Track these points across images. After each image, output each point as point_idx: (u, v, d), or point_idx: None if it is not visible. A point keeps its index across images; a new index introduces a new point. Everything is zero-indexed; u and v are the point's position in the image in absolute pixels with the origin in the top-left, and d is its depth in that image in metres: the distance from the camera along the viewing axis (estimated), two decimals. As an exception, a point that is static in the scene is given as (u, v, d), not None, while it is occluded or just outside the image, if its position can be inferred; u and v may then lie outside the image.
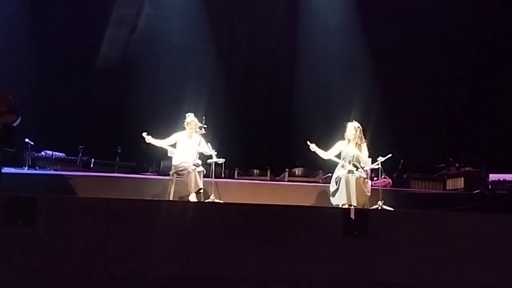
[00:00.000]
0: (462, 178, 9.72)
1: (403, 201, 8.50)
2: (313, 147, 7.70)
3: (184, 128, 8.21)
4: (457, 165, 10.00)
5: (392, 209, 7.53)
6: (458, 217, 5.03)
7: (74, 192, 7.98)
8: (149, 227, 4.23)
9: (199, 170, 7.84)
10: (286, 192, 8.87)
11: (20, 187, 7.05)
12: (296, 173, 9.87)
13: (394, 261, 4.36)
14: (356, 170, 7.62)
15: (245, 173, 9.78)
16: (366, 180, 7.69)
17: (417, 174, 10.04)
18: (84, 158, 9.78)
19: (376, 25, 11.44)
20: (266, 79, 11.87)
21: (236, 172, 9.69)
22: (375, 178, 8.25)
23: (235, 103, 11.38)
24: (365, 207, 7.41)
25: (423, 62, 11.61)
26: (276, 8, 11.72)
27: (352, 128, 7.79)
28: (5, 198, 4.10)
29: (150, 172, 9.76)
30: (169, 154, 8.33)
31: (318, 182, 9.38)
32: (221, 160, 8.35)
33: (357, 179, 7.49)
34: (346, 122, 7.94)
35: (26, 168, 9.07)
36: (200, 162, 8.06)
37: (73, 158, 9.78)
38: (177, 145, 8.18)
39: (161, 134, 8.34)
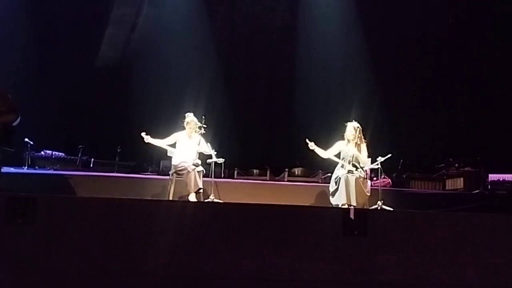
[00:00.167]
0: (462, 178, 9.73)
1: (403, 201, 8.50)
2: (312, 145, 7.69)
3: (183, 128, 8.21)
4: (456, 165, 10.01)
5: (391, 209, 7.52)
6: (458, 217, 5.03)
7: (74, 191, 7.97)
8: (148, 227, 4.23)
9: (198, 170, 7.84)
10: (286, 192, 8.87)
11: (20, 187, 7.03)
12: (296, 173, 9.87)
13: (393, 261, 4.37)
14: (356, 170, 7.62)
15: (245, 173, 9.79)
16: (365, 180, 7.69)
17: (417, 174, 10.05)
18: (84, 158, 9.78)
19: (376, 25, 11.44)
20: (266, 79, 11.87)
21: (235, 172, 9.69)
22: (375, 178, 8.25)
23: (234, 103, 11.38)
24: (365, 207, 7.41)
25: (423, 62, 11.61)
26: (276, 8, 11.72)
27: (352, 128, 7.79)
28: (5, 197, 4.10)
29: (150, 172, 9.76)
30: (168, 154, 8.32)
31: (318, 182, 9.38)
32: (221, 160, 8.36)
33: (357, 179, 7.50)
34: (346, 122, 7.94)
35: (26, 167, 9.07)
36: (199, 162, 8.05)
37: (72, 157, 9.78)
38: (176, 145, 8.18)
39: (161, 133, 8.33)
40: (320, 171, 9.50)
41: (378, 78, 11.36)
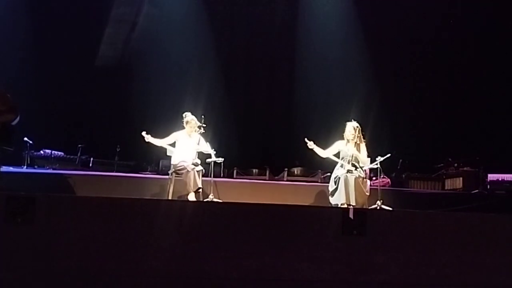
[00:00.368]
0: (461, 178, 9.74)
1: (402, 201, 8.51)
2: (311, 144, 7.70)
3: (183, 127, 8.21)
4: (455, 165, 10.02)
5: (390, 208, 7.53)
6: (457, 217, 5.03)
7: (73, 191, 7.97)
8: (148, 226, 4.23)
9: (198, 170, 7.84)
10: (285, 191, 8.88)
11: (19, 186, 7.04)
12: (295, 172, 9.88)
13: (392, 261, 4.37)
14: (355, 169, 7.63)
15: (244, 172, 9.79)
16: (365, 179, 7.70)
17: (416, 174, 10.06)
18: (83, 157, 9.79)
19: (376, 24, 11.44)
20: (266, 79, 11.87)
21: (235, 172, 9.70)
22: (374, 178, 8.25)
23: (234, 102, 11.38)
24: (364, 207, 7.42)
25: (422, 62, 11.61)
26: (275, 9, 11.72)
27: (351, 127, 7.80)
28: (4, 197, 4.10)
29: (149, 171, 9.76)
30: (168, 153, 8.33)
31: (317, 182, 9.39)
32: (220, 160, 8.36)
33: (356, 178, 7.50)
34: (345, 122, 7.95)
35: (25, 167, 9.07)
36: (199, 161, 8.05)
37: (72, 157, 9.78)
38: (176, 144, 8.18)
39: (160, 133, 8.34)
40: (320, 170, 9.50)
41: (378, 78, 11.36)
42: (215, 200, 7.84)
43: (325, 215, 4.64)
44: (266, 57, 11.82)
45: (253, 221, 4.39)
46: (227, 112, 11.06)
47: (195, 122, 8.12)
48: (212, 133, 8.61)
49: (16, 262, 4.03)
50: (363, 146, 7.84)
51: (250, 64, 11.86)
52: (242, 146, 10.79)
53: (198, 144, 8.08)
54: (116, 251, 4.16)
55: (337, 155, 7.85)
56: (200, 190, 7.82)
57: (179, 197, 7.98)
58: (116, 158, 9.75)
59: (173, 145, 8.20)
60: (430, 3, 11.43)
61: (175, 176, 7.99)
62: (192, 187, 7.68)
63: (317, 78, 11.46)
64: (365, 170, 7.83)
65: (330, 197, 7.65)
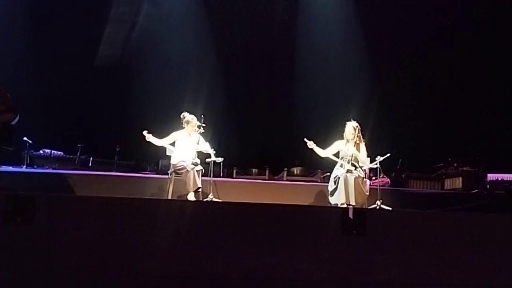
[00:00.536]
0: (460, 178, 9.74)
1: (401, 201, 8.51)
2: (310, 144, 7.70)
3: (182, 127, 8.20)
4: (455, 164, 10.02)
5: (390, 208, 7.54)
6: (456, 216, 5.04)
7: (73, 190, 7.97)
8: (147, 226, 4.23)
9: (197, 169, 7.84)
10: (285, 191, 8.88)
11: (19, 186, 7.05)
12: (295, 172, 9.88)
13: (392, 261, 4.36)
14: (355, 169, 7.63)
15: (244, 172, 9.79)
16: (364, 179, 7.71)
17: (416, 173, 10.05)
18: (83, 157, 9.78)
19: (376, 24, 11.44)
20: (266, 79, 11.86)
21: (234, 171, 9.70)
22: (374, 178, 8.26)
23: (234, 102, 11.37)
24: (364, 207, 7.43)
25: (422, 62, 11.62)
26: (275, 9, 11.71)
27: (351, 127, 7.80)
28: (3, 196, 4.10)
29: (149, 171, 9.75)
30: (167, 153, 8.33)
31: (317, 182, 9.39)
32: (220, 159, 8.35)
33: (356, 178, 7.51)
34: (345, 121, 7.95)
35: (25, 166, 9.06)
36: (198, 161, 8.05)
37: (71, 156, 9.77)
38: (176, 144, 8.17)
39: (160, 133, 8.33)
40: (319, 170, 9.50)
41: (378, 78, 11.36)
42: (214, 200, 7.84)
43: (324, 215, 4.65)
44: (266, 57, 11.82)
45: (253, 221, 4.39)
46: (226, 112, 11.05)
47: (195, 122, 8.12)
48: (211, 133, 8.61)
49: (16, 261, 4.03)
50: (362, 146, 7.85)
51: (250, 64, 11.86)
52: (242, 146, 10.79)
53: (198, 143, 8.08)
54: (116, 250, 4.16)
55: (337, 155, 7.85)
56: (200, 189, 7.82)
57: (178, 196, 7.98)
58: (116, 157, 9.74)
59: (172, 144, 8.20)
60: (430, 3, 11.43)
61: (175, 176, 7.99)
62: (191, 187, 7.68)
63: (317, 78, 11.46)
64: (364, 170, 7.84)
65: (329, 197, 7.66)
